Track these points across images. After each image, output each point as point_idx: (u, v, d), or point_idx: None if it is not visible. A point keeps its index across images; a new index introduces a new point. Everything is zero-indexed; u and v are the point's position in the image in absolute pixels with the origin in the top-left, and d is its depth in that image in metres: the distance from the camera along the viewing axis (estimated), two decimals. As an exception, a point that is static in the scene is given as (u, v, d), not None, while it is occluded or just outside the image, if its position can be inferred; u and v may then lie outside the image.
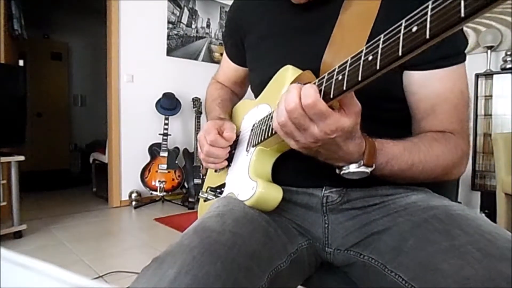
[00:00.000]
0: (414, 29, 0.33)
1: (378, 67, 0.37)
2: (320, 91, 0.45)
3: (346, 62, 0.42)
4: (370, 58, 0.38)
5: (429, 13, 0.32)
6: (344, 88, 0.41)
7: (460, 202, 0.60)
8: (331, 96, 0.43)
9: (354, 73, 0.40)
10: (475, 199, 2.80)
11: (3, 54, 2.52)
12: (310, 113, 0.44)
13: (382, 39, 0.37)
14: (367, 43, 0.54)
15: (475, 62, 2.73)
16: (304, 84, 0.54)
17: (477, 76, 2.72)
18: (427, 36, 0.32)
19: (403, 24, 0.35)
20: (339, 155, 0.49)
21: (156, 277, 0.43)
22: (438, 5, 0.31)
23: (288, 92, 0.47)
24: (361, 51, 0.40)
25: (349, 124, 0.45)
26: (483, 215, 0.54)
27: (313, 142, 0.47)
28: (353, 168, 0.50)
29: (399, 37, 0.35)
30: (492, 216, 2.30)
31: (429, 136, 0.57)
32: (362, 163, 0.50)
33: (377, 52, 0.37)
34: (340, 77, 0.42)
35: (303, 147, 0.49)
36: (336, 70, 0.43)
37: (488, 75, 2.71)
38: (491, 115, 2.72)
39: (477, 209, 2.71)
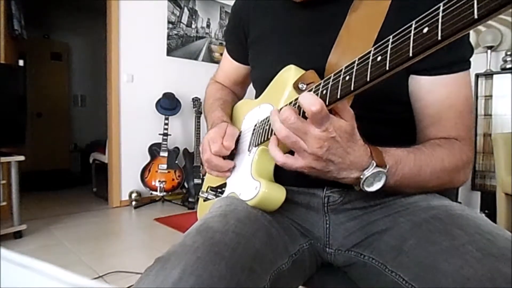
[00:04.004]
0: (425, 30, 0.33)
1: (387, 68, 0.37)
2: (326, 91, 0.45)
3: (354, 62, 0.42)
4: (379, 58, 0.38)
5: (440, 14, 0.32)
6: (352, 89, 0.41)
7: (460, 202, 0.60)
8: (338, 97, 0.43)
9: (362, 73, 0.40)
10: (475, 199, 2.80)
11: (3, 54, 2.52)
12: (317, 118, 0.44)
13: (391, 40, 0.37)
14: (373, 46, 0.55)
15: (475, 62, 2.71)
16: (308, 84, 0.54)
17: (477, 76, 2.72)
18: (439, 38, 0.32)
19: (413, 25, 0.35)
20: (350, 160, 0.48)
21: (160, 277, 0.43)
22: (450, 6, 0.31)
23: (282, 110, 0.48)
24: (369, 52, 0.40)
25: (346, 125, 0.46)
26: (483, 215, 0.54)
27: (319, 147, 0.46)
28: (368, 173, 0.49)
29: (409, 38, 0.35)
30: (492, 216, 2.30)
31: (431, 142, 0.58)
32: (375, 164, 0.49)
33: (386, 52, 0.37)
34: (347, 77, 0.42)
35: (314, 159, 0.48)
36: (343, 70, 0.44)
37: (488, 75, 2.71)
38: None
39: (477, 209, 2.71)
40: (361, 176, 0.49)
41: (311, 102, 0.44)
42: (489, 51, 2.72)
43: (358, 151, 0.48)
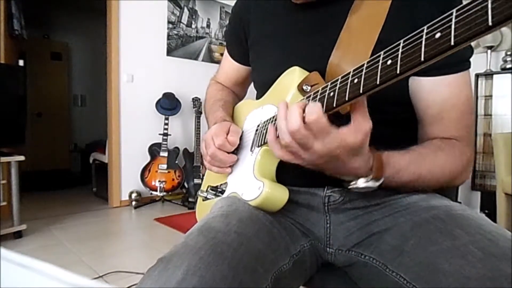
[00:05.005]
0: (438, 35, 0.33)
1: (398, 71, 0.37)
2: (334, 93, 0.45)
3: (362, 65, 0.42)
4: (389, 62, 0.38)
5: (453, 20, 0.32)
6: (361, 91, 0.41)
7: (460, 202, 0.60)
8: (346, 99, 0.43)
9: (371, 76, 0.40)
10: (475, 199, 2.80)
11: (3, 54, 2.52)
12: (314, 130, 0.45)
13: (402, 44, 0.37)
14: (374, 47, 0.55)
15: (475, 62, 2.71)
16: (312, 85, 0.54)
17: (477, 76, 2.72)
18: (452, 43, 0.32)
19: (425, 30, 0.35)
20: (346, 169, 0.50)
21: (163, 278, 0.43)
22: (464, 12, 0.31)
23: (289, 113, 0.48)
24: (379, 55, 0.40)
25: (354, 141, 0.46)
26: (483, 215, 0.54)
27: (317, 158, 0.48)
28: (361, 182, 0.51)
29: (421, 42, 0.35)
30: (492, 216, 2.30)
31: (434, 144, 0.58)
32: (370, 177, 0.50)
33: (397, 56, 0.37)
34: (356, 80, 0.42)
35: (308, 164, 0.51)
36: (351, 73, 0.44)
37: (488, 75, 2.71)
38: (491, 115, 2.72)
39: (477, 209, 2.71)
40: (352, 182, 0.52)
41: (310, 110, 0.45)
42: (489, 51, 2.72)
43: (359, 163, 0.49)
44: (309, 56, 0.64)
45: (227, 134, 0.68)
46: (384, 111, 0.61)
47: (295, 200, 0.65)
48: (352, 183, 0.52)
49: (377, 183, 0.51)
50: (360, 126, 0.45)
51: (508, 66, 2.64)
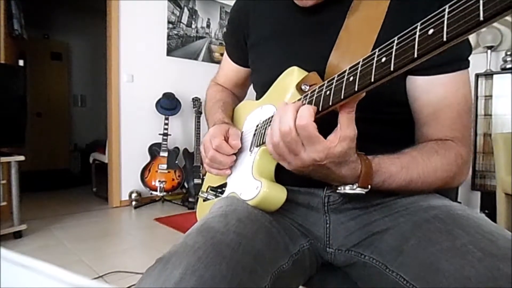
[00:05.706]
0: (431, 31, 0.33)
1: (392, 69, 0.37)
2: (330, 91, 0.45)
3: (358, 63, 0.42)
4: (384, 59, 0.38)
5: (446, 16, 0.32)
6: (356, 89, 0.41)
7: (460, 202, 0.60)
8: (342, 97, 0.43)
9: (366, 74, 0.40)
10: (475, 199, 2.80)
11: (3, 54, 2.52)
12: (301, 135, 0.46)
13: (396, 41, 0.37)
14: (373, 47, 0.55)
15: (475, 62, 2.73)
16: (311, 85, 0.54)
17: (477, 76, 2.72)
18: (444, 39, 0.32)
19: (419, 27, 0.35)
20: (332, 177, 0.51)
21: (162, 278, 0.42)
22: (456, 8, 0.31)
23: (284, 113, 0.48)
24: (374, 53, 0.40)
25: (340, 150, 0.46)
26: (483, 215, 0.54)
27: (302, 165, 0.49)
28: (347, 189, 0.52)
29: (414, 39, 0.35)
30: (492, 216, 2.30)
31: (429, 147, 0.57)
32: (357, 185, 0.51)
33: (391, 53, 0.37)
34: (351, 78, 0.42)
35: (294, 170, 0.52)
36: (347, 71, 0.44)
37: (488, 75, 2.71)
38: (491, 115, 2.72)
39: (477, 209, 2.71)
40: (340, 187, 0.53)
41: (301, 114, 0.46)
42: (489, 51, 2.72)
43: (346, 171, 0.50)
44: (308, 57, 0.64)
45: (227, 138, 0.68)
46: (382, 111, 0.61)
47: (294, 200, 0.65)
48: (339, 188, 0.53)
49: (364, 190, 0.52)
50: (345, 133, 0.46)
51: (508, 66, 2.64)
